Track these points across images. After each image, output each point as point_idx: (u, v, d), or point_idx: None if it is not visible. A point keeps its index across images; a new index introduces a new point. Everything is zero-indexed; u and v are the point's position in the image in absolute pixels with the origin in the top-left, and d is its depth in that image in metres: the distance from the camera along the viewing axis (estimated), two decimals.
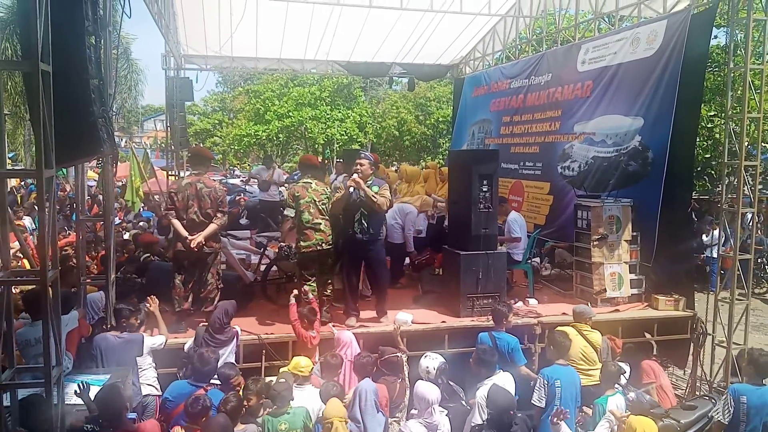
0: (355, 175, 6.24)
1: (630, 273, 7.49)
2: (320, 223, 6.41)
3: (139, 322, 5.49)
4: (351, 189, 6.23)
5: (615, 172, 8.17)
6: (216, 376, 5.03)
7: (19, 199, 16.04)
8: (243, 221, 12.83)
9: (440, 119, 28.15)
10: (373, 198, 6.20)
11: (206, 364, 4.94)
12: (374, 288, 6.85)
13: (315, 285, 6.49)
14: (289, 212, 6.47)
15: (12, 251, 5.57)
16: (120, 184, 17.15)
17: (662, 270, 7.43)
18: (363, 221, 6.27)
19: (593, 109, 8.73)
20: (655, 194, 7.42)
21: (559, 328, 6.22)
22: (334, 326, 6.29)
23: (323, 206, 6.46)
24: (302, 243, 6.42)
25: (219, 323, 5.56)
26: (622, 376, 5.66)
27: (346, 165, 7.00)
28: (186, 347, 5.74)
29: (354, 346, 5.76)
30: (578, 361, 5.84)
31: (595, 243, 7.36)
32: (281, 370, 5.37)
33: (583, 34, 9.86)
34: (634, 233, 7.48)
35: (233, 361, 5.58)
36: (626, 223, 7.42)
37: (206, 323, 5.77)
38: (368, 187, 6.26)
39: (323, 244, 6.42)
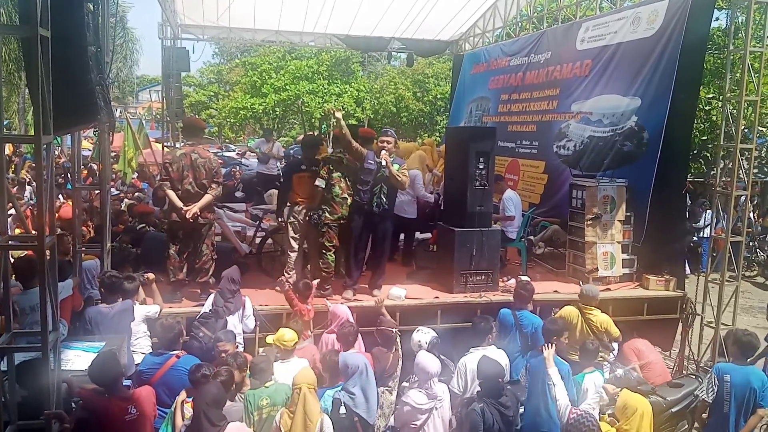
0: (384, 152, 6.37)
1: (622, 253, 7.56)
2: (347, 199, 6.58)
3: (131, 289, 5.50)
4: (383, 163, 6.33)
5: (610, 152, 8.19)
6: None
7: (12, 167, 15.94)
8: (238, 194, 12.83)
9: (438, 96, 27.95)
10: (397, 176, 6.37)
11: (170, 331, 4.99)
12: (374, 262, 6.89)
13: (333, 256, 6.66)
14: (321, 183, 6.62)
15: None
16: (114, 154, 17.05)
17: (653, 250, 7.50)
18: (382, 196, 6.42)
19: (591, 88, 8.71)
20: (648, 175, 7.46)
21: (564, 308, 6.28)
22: (328, 300, 6.35)
23: (351, 182, 6.62)
24: (328, 215, 6.57)
25: (229, 291, 5.66)
26: (611, 353, 5.76)
27: (304, 151, 7.06)
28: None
29: (350, 320, 5.82)
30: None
31: (588, 222, 7.41)
32: (267, 339, 5.40)
33: (584, 13, 9.79)
34: (628, 213, 7.53)
35: (242, 329, 5.68)
36: (620, 203, 7.46)
37: (205, 293, 5.83)
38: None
39: (343, 219, 6.63)
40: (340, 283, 6.81)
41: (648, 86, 7.60)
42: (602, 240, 7.45)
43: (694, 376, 6.15)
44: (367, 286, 6.80)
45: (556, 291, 7.16)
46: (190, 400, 4.24)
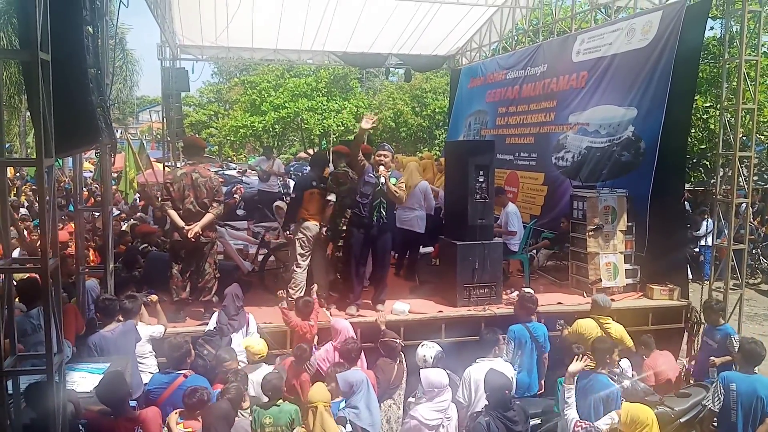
0: (382, 168, 6.38)
1: (625, 263, 7.55)
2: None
3: (133, 309, 5.48)
4: (381, 179, 6.35)
5: (608, 162, 8.21)
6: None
7: (14, 190, 16.00)
8: (240, 212, 12.86)
9: (437, 110, 28.12)
10: (395, 192, 6.41)
11: (177, 350, 4.98)
12: (375, 277, 6.89)
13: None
14: (332, 197, 6.77)
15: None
16: (115, 175, 17.11)
17: (656, 260, 7.48)
18: (382, 210, 6.45)
19: (588, 99, 8.75)
20: (646, 184, 7.48)
21: (579, 320, 6.19)
22: (328, 311, 6.35)
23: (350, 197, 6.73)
24: (342, 227, 6.84)
25: (234, 308, 5.68)
26: (619, 365, 5.71)
27: (313, 168, 7.12)
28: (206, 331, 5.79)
29: (350, 335, 5.80)
30: None
31: (590, 233, 7.41)
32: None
33: (579, 25, 9.87)
34: (629, 223, 7.53)
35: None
36: (621, 213, 7.46)
37: (209, 311, 5.83)
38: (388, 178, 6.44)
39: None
40: (343, 298, 6.80)
41: (644, 96, 7.64)
42: (605, 250, 7.44)
43: (701, 386, 6.10)
44: (370, 301, 6.78)
45: (560, 303, 7.14)
46: (182, 421, 4.24)
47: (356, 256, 6.63)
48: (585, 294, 7.31)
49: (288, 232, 6.88)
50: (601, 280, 7.40)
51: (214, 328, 5.60)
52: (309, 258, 6.68)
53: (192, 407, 4.27)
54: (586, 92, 8.81)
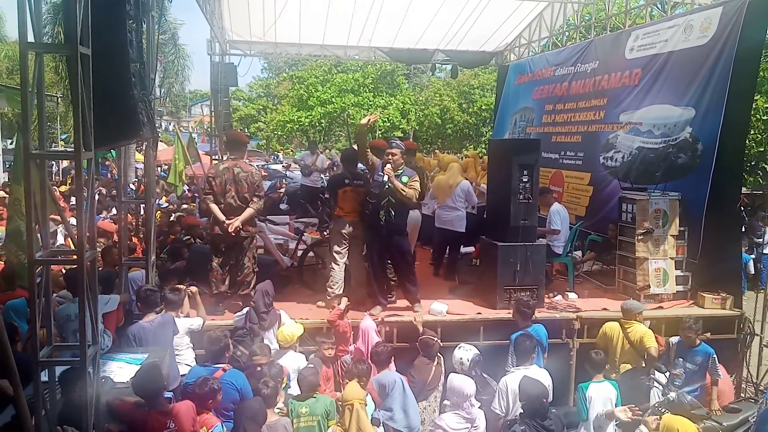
0: (387, 165, 6.18)
1: (676, 269, 7.24)
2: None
3: (175, 300, 5.58)
4: (385, 178, 6.16)
5: (662, 164, 7.89)
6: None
7: (69, 180, 16.56)
8: (283, 206, 12.96)
9: (483, 107, 27.78)
10: (402, 191, 6.13)
11: (216, 344, 4.99)
12: (399, 279, 6.71)
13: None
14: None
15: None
16: (165, 167, 17.53)
17: (709, 267, 7.15)
18: (390, 210, 6.22)
19: (641, 98, 8.44)
20: (703, 188, 7.14)
21: (606, 323, 6.11)
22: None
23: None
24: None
25: (263, 305, 5.67)
26: (660, 373, 5.48)
27: (344, 164, 6.98)
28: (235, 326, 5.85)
29: (371, 336, 5.74)
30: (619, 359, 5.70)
31: (639, 237, 7.14)
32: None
33: (633, 21, 9.52)
34: (682, 228, 7.22)
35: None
36: (673, 217, 7.16)
37: (247, 305, 5.87)
38: (398, 176, 6.21)
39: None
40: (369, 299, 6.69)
41: (702, 96, 7.31)
42: (654, 256, 7.16)
43: (753, 400, 5.82)
44: (405, 301, 6.68)
45: (605, 308, 6.89)
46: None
47: (371, 257, 6.54)
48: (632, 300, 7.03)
49: (325, 232, 6.77)
50: (649, 287, 7.12)
51: (245, 329, 5.61)
52: (346, 256, 6.62)
53: (203, 397, 4.29)
54: (639, 90, 8.49)
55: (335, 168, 13.65)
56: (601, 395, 5.00)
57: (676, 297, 7.20)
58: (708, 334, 6.46)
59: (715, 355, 5.77)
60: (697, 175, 7.34)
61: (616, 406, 4.95)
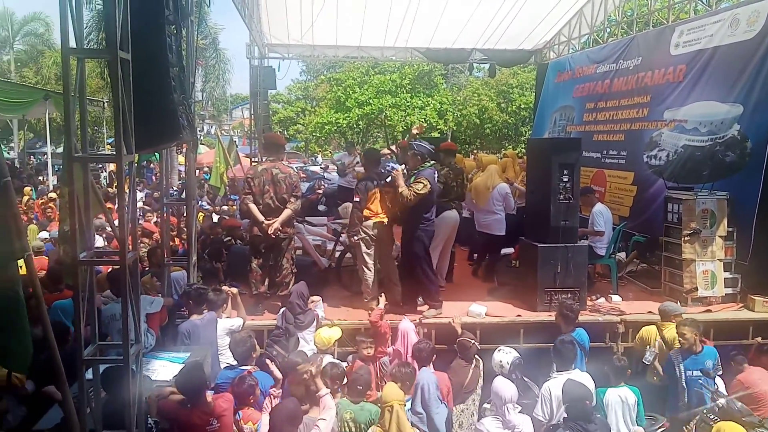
0: (401, 166, 6.25)
1: (725, 271, 6.99)
2: None
3: (218, 301, 5.66)
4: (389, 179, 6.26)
5: (709, 162, 7.64)
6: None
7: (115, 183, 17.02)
8: (321, 207, 13.03)
9: (522, 106, 27.42)
10: (401, 191, 6.14)
11: (242, 346, 5.02)
12: (403, 280, 6.62)
13: None
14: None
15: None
16: (206, 169, 17.85)
17: (760, 269, 6.87)
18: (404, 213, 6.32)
19: (686, 94, 8.19)
20: (754, 187, 6.87)
21: (644, 327, 5.99)
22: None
23: None
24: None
25: (298, 307, 5.70)
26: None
27: (367, 165, 6.94)
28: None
29: (410, 338, 5.69)
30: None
31: (686, 238, 6.92)
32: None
33: (677, 16, 9.26)
34: (730, 229, 6.97)
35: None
36: (721, 217, 6.91)
37: (285, 306, 5.90)
38: (413, 176, 6.25)
39: None
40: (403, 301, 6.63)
41: (750, 92, 7.06)
42: (702, 257, 6.92)
43: None
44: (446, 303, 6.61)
45: (650, 312, 6.66)
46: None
47: (415, 259, 6.47)
48: (679, 303, 6.80)
49: (355, 238, 6.61)
50: (697, 289, 6.89)
51: (280, 328, 5.64)
52: (374, 256, 6.57)
53: (243, 395, 4.38)
54: (684, 87, 8.24)
55: None
56: (619, 400, 4.88)
57: (725, 300, 6.95)
58: (759, 339, 6.22)
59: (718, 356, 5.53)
60: (746, 174, 7.09)
61: (637, 412, 4.84)
